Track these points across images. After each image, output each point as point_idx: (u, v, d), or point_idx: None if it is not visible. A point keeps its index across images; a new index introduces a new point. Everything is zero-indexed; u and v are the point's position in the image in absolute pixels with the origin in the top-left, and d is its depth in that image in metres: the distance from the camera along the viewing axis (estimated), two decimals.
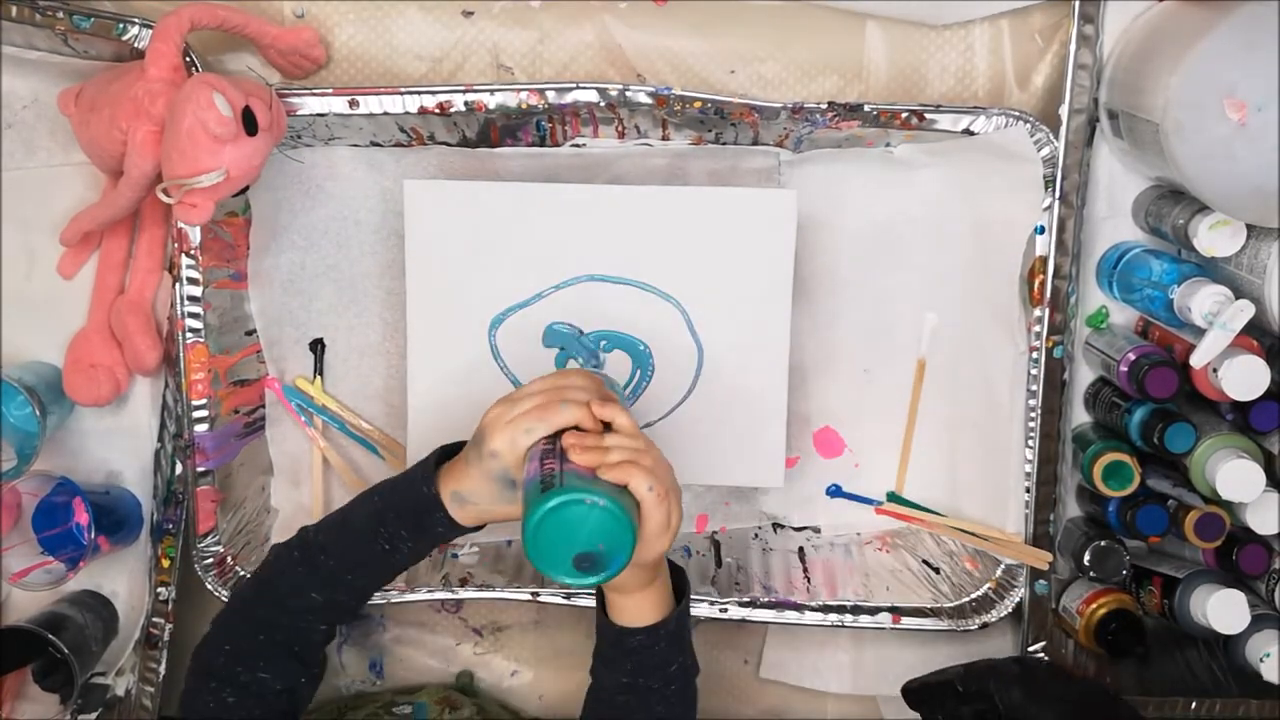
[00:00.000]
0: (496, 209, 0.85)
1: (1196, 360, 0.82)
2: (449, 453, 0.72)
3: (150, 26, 0.82)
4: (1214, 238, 0.81)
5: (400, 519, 0.70)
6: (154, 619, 0.90)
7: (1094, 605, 0.90)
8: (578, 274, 0.87)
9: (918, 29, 0.89)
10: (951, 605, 0.91)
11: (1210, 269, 0.84)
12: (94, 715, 0.92)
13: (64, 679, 0.90)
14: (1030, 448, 0.88)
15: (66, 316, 0.90)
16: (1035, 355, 0.87)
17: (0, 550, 0.86)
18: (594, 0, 0.88)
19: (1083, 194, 0.87)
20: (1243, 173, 0.76)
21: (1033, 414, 0.87)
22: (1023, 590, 0.90)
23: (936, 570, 0.93)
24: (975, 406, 0.91)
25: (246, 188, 0.82)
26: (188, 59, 0.81)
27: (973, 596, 0.91)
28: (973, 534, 0.91)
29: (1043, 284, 0.86)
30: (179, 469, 0.89)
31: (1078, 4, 0.85)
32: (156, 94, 0.78)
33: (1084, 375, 0.93)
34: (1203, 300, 0.81)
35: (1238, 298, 0.81)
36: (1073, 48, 0.85)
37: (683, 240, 0.86)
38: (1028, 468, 0.88)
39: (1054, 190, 0.85)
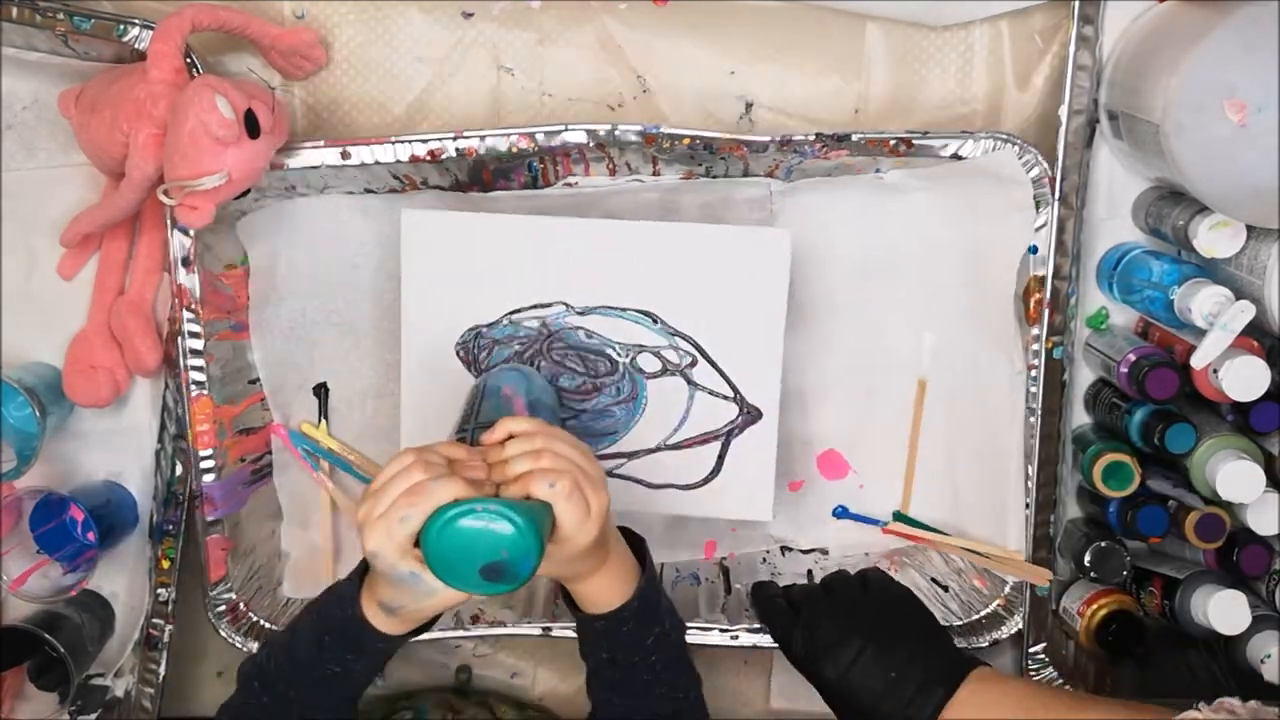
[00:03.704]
0: (492, 241, 0.86)
1: (1197, 361, 0.82)
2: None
3: (150, 27, 0.82)
4: (1214, 239, 0.81)
5: (338, 643, 0.68)
6: (154, 620, 0.90)
7: (1094, 606, 0.90)
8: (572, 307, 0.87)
9: (918, 30, 0.89)
10: (961, 623, 0.90)
11: (1210, 270, 0.84)
12: (93, 716, 0.92)
13: (59, 678, 0.90)
14: (1030, 463, 0.88)
15: (66, 317, 0.90)
16: (1034, 373, 0.87)
17: (0, 552, 0.86)
18: (594, 1, 0.88)
19: (1082, 195, 0.87)
20: (1243, 173, 0.76)
21: (1032, 414, 0.87)
22: (1022, 650, 0.89)
23: (945, 588, 0.93)
24: (975, 425, 0.91)
25: (248, 190, 0.82)
26: (188, 60, 0.81)
27: (982, 614, 0.90)
28: (974, 551, 0.91)
29: (1038, 303, 0.86)
30: (179, 469, 0.89)
31: (1077, 5, 0.85)
32: (159, 96, 0.78)
33: (1084, 376, 0.93)
34: (1203, 301, 0.81)
35: (1238, 299, 0.81)
36: (1072, 49, 0.85)
37: (676, 276, 0.86)
38: (1029, 469, 0.88)
39: (1053, 190, 0.84)
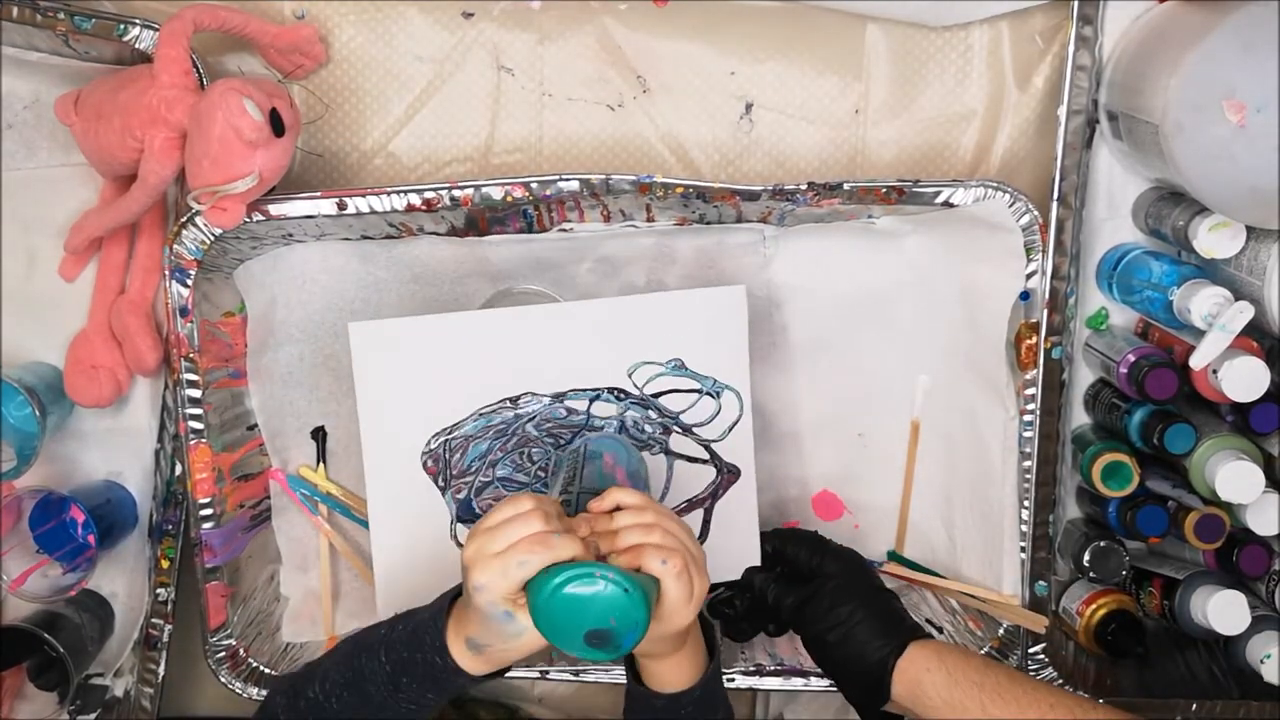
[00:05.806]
0: (448, 342, 0.84)
1: (1196, 362, 0.82)
2: (455, 595, 0.68)
3: (151, 27, 0.82)
4: (1214, 239, 0.81)
5: (419, 683, 0.66)
6: (153, 620, 0.90)
7: (1094, 606, 0.90)
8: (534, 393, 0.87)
9: (918, 30, 0.89)
10: None
11: (1210, 271, 0.85)
12: (93, 716, 0.92)
13: (59, 677, 0.90)
14: (1025, 508, 0.87)
15: (67, 317, 0.90)
16: (1028, 418, 0.86)
17: (0, 552, 0.86)
18: (594, 1, 0.88)
19: (1082, 195, 0.87)
20: (1242, 174, 0.76)
21: (1031, 415, 0.87)
22: (1022, 650, 0.89)
23: (940, 630, 0.92)
24: (969, 468, 0.91)
25: (273, 188, 0.82)
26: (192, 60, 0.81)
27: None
28: (971, 595, 0.90)
29: (1030, 348, 0.86)
30: (179, 469, 0.89)
31: (1077, 5, 0.85)
32: (173, 101, 0.78)
33: (1084, 376, 0.93)
34: (1202, 302, 0.81)
35: (1237, 299, 0.81)
36: (1071, 49, 0.85)
37: (639, 347, 0.85)
38: (1024, 514, 0.87)
39: (1045, 238, 0.84)
